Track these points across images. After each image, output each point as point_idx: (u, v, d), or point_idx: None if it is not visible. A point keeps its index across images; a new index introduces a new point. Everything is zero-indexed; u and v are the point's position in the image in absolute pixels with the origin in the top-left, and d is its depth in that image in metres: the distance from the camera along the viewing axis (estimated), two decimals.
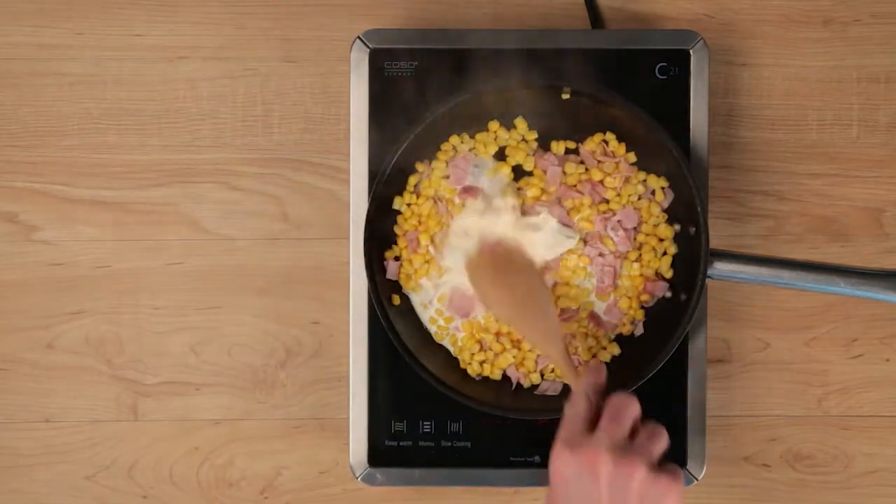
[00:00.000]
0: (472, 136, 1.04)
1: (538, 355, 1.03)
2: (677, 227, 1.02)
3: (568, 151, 1.04)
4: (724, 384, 1.10)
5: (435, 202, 1.03)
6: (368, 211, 1.01)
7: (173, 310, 1.10)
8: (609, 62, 1.04)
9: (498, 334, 1.03)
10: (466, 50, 1.04)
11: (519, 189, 1.03)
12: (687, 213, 1.01)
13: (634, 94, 1.01)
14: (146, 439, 1.10)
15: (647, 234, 1.03)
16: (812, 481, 1.11)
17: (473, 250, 1.01)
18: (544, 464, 1.04)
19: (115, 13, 1.10)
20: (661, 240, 1.03)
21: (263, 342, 1.10)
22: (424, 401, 1.04)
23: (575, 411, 0.88)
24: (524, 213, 1.02)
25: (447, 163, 1.03)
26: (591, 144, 1.03)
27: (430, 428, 1.05)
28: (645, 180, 1.03)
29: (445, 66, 1.04)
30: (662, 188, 1.03)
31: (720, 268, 0.99)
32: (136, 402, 1.10)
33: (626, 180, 1.02)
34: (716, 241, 1.00)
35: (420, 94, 1.04)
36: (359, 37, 1.05)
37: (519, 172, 1.04)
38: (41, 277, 1.10)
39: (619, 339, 1.04)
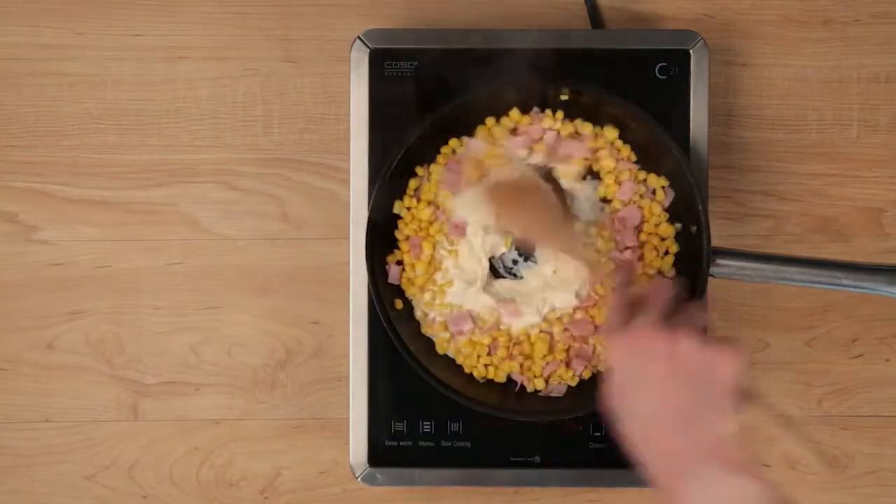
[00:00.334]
0: (471, 137, 1.04)
1: (546, 363, 1.03)
2: (678, 226, 1.02)
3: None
4: None
5: (435, 208, 1.03)
6: (369, 216, 1.00)
7: (173, 310, 1.10)
8: (609, 62, 1.05)
9: (503, 343, 1.03)
10: (466, 50, 1.04)
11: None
12: (688, 212, 1.01)
13: (634, 94, 1.02)
14: (146, 439, 1.10)
15: (649, 234, 1.03)
16: (812, 481, 1.11)
17: (490, 182, 1.01)
18: (544, 464, 1.04)
19: (115, 13, 1.10)
20: (663, 239, 1.03)
21: (263, 342, 1.10)
22: (424, 401, 1.04)
23: (615, 304, 0.91)
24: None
25: (444, 166, 1.03)
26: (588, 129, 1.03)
27: (430, 428, 1.05)
28: (645, 180, 1.03)
29: (445, 66, 1.04)
30: (663, 187, 1.03)
31: (722, 265, 0.99)
32: (136, 402, 1.10)
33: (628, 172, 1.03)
34: (716, 241, 0.99)
35: (420, 94, 1.04)
36: (359, 37, 1.05)
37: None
38: (41, 277, 1.10)
39: None
